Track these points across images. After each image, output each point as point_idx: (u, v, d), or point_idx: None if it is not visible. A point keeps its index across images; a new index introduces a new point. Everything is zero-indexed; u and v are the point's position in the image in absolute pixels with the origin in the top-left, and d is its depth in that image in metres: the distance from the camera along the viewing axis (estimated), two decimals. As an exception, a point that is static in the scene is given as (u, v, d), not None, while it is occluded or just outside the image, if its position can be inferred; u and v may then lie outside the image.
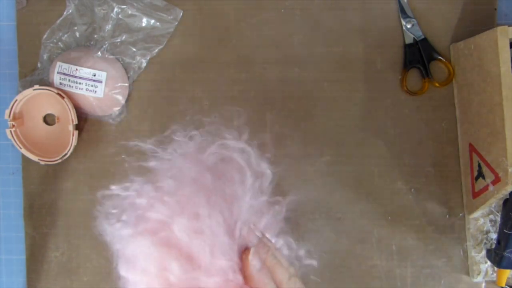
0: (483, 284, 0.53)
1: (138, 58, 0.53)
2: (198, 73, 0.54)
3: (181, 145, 0.41)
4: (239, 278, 0.35)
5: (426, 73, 0.53)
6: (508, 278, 0.48)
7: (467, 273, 0.53)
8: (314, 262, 0.44)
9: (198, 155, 0.40)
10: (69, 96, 0.52)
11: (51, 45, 0.54)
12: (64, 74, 0.51)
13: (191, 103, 0.54)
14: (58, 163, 0.53)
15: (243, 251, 0.36)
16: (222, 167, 0.40)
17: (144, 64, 0.54)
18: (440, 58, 0.53)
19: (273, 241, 0.41)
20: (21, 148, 0.52)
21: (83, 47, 0.53)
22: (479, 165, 0.48)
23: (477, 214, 0.51)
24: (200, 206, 0.35)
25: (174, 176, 0.38)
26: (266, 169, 0.41)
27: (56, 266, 0.55)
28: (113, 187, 0.39)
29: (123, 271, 0.36)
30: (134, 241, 0.35)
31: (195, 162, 0.39)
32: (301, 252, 0.44)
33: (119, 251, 0.37)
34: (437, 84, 0.53)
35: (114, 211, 0.38)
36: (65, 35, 0.54)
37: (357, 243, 0.53)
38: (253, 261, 0.35)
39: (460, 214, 0.53)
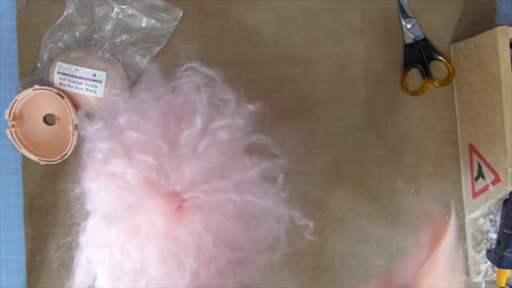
0: (483, 284, 0.53)
1: (138, 58, 0.53)
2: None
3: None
4: (162, 181, 0.36)
5: (426, 73, 0.53)
6: (508, 278, 0.48)
7: (467, 273, 0.53)
8: (310, 223, 0.44)
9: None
10: (69, 96, 0.52)
11: (51, 45, 0.54)
12: (64, 74, 0.51)
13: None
14: (58, 163, 0.53)
15: None
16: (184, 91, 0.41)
17: (144, 64, 0.54)
18: (440, 58, 0.53)
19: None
20: (21, 148, 0.52)
21: (83, 47, 0.53)
22: (479, 165, 0.48)
23: (477, 214, 0.51)
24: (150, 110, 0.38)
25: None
26: (231, 96, 0.42)
27: (56, 266, 0.55)
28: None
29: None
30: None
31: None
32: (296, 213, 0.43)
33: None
34: (437, 84, 0.53)
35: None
36: (65, 35, 0.54)
37: (357, 243, 0.53)
38: None
39: (460, 214, 0.53)
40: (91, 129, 0.40)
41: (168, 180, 0.36)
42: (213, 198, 0.36)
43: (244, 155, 0.41)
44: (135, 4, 0.53)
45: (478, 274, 0.52)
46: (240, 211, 0.38)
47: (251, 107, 0.43)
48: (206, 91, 0.41)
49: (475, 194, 0.50)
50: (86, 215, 0.40)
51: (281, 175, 0.42)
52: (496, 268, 0.49)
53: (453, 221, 0.37)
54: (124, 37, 0.53)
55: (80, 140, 0.42)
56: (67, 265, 0.55)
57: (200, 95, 0.40)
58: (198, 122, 0.38)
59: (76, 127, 0.52)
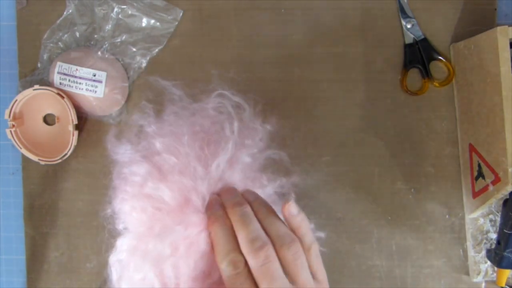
0: (483, 284, 0.53)
1: (138, 58, 0.53)
2: (198, 73, 0.54)
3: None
4: (199, 202, 0.37)
5: (426, 73, 0.53)
6: (508, 278, 0.48)
7: (467, 273, 0.53)
8: (321, 234, 0.45)
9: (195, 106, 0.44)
10: (69, 96, 0.52)
11: (51, 45, 0.54)
12: (64, 74, 0.51)
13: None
14: (58, 163, 0.53)
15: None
16: (214, 116, 0.43)
17: (144, 64, 0.54)
18: (440, 58, 0.53)
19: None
20: (21, 148, 0.52)
21: (83, 47, 0.53)
22: (479, 165, 0.48)
23: (477, 214, 0.51)
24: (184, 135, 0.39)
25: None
26: (258, 125, 0.44)
27: (56, 266, 0.55)
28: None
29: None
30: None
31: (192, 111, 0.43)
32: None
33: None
34: (437, 84, 0.53)
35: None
36: (65, 35, 0.54)
37: (357, 243, 0.53)
38: (292, 207, 0.35)
39: (460, 214, 0.53)
40: (124, 153, 0.41)
41: (205, 201, 0.37)
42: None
43: (261, 173, 0.43)
44: (135, 4, 0.53)
45: (478, 274, 0.52)
46: None
47: (268, 127, 0.45)
48: (237, 119, 0.42)
49: (475, 194, 0.50)
50: (117, 235, 0.41)
51: (292, 194, 0.43)
52: (496, 268, 0.49)
53: None
54: (124, 37, 0.53)
55: (110, 162, 0.43)
56: (66, 265, 0.55)
57: (234, 124, 0.42)
58: (230, 150, 0.40)
59: (76, 127, 0.52)
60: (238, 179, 0.40)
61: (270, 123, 0.46)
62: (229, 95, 0.44)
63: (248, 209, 0.35)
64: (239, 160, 0.40)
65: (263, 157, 0.44)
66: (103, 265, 0.54)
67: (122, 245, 0.38)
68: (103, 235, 0.43)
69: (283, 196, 0.44)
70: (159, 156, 0.39)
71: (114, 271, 0.38)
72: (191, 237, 0.35)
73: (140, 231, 0.38)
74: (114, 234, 0.41)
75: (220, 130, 0.42)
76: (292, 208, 0.35)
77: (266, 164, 0.45)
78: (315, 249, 0.35)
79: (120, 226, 0.40)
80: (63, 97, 0.51)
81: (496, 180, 0.44)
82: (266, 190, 0.42)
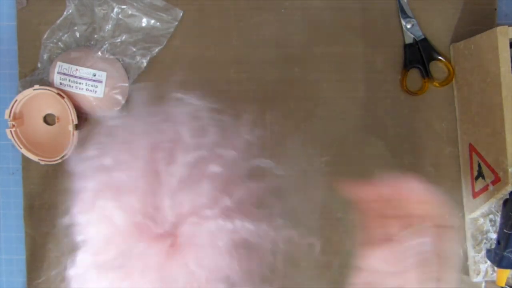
0: (483, 284, 0.53)
1: (138, 58, 0.53)
2: (198, 73, 0.54)
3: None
4: (149, 224, 0.35)
5: (426, 73, 0.53)
6: (508, 278, 0.48)
7: (467, 273, 0.53)
8: (316, 242, 0.43)
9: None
10: (69, 96, 0.52)
11: (51, 45, 0.54)
12: (64, 74, 0.51)
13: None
14: (58, 163, 0.53)
15: None
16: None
17: (144, 64, 0.54)
18: (440, 58, 0.53)
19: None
20: (21, 148, 0.52)
21: (83, 47, 0.53)
22: (479, 165, 0.48)
23: (477, 214, 0.51)
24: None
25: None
26: (240, 134, 0.41)
27: (56, 266, 0.55)
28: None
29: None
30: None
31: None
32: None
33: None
34: (437, 84, 0.53)
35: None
36: (65, 35, 0.54)
37: (357, 243, 0.53)
38: None
39: (460, 214, 0.53)
40: (79, 162, 0.39)
41: (156, 220, 0.35)
42: (204, 228, 0.36)
43: (239, 183, 0.40)
44: (135, 4, 0.53)
45: (478, 274, 0.52)
46: (233, 241, 0.37)
47: (247, 137, 0.42)
48: (192, 122, 0.39)
49: (475, 194, 0.50)
50: (75, 246, 0.40)
51: (278, 205, 0.41)
52: (496, 268, 0.49)
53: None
54: (124, 37, 0.53)
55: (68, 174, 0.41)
56: (66, 265, 0.55)
57: (184, 127, 0.39)
58: (181, 157, 0.37)
59: (76, 127, 0.52)
60: (205, 189, 0.37)
61: (252, 134, 0.43)
62: (185, 98, 0.41)
63: None
64: (204, 169, 0.37)
65: (246, 167, 0.41)
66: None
67: (81, 260, 0.37)
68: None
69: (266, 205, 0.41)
70: (111, 173, 0.37)
71: (74, 285, 0.37)
72: (146, 264, 0.34)
73: (97, 247, 0.36)
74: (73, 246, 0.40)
75: (190, 137, 0.39)
76: None
77: (252, 173, 0.42)
78: None
79: (78, 238, 0.39)
80: (63, 97, 0.51)
81: (496, 180, 0.44)
82: (240, 198, 0.39)
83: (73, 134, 0.51)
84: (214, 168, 0.37)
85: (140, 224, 0.35)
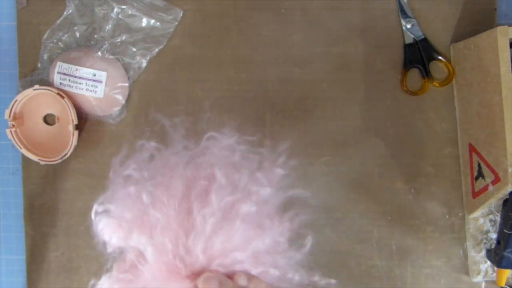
0: (483, 284, 0.53)
1: (138, 58, 0.53)
2: (198, 73, 0.54)
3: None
4: (179, 265, 0.34)
5: (426, 73, 0.53)
6: (508, 278, 0.48)
7: (467, 273, 0.53)
8: (332, 282, 0.40)
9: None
10: (69, 96, 0.52)
11: (51, 45, 0.54)
12: (64, 74, 0.51)
13: (191, 103, 0.54)
14: (58, 163, 0.53)
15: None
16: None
17: (144, 64, 0.54)
18: (440, 58, 0.53)
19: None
20: (21, 148, 0.52)
21: (83, 47, 0.53)
22: (479, 165, 0.48)
23: (477, 214, 0.51)
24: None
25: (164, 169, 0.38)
26: (276, 167, 0.38)
27: (56, 266, 0.55)
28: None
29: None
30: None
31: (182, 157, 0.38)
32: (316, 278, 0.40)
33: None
34: (437, 84, 0.53)
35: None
36: (65, 35, 0.54)
37: (357, 243, 0.53)
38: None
39: (460, 214, 0.53)
40: (119, 183, 0.38)
41: (185, 262, 0.34)
42: (230, 271, 0.35)
43: (272, 218, 0.38)
44: (135, 4, 0.53)
45: (478, 274, 0.52)
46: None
47: (280, 171, 0.39)
48: (227, 157, 0.38)
49: (475, 194, 0.50)
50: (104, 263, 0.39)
51: (309, 237, 0.38)
52: (496, 268, 0.49)
53: None
54: (124, 37, 0.53)
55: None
56: (66, 265, 0.55)
57: (218, 163, 0.37)
58: (214, 200, 0.36)
59: (76, 127, 0.52)
60: (239, 229, 0.35)
61: (285, 167, 0.40)
62: (219, 138, 0.39)
63: None
64: (237, 210, 0.36)
65: (281, 199, 0.39)
66: (103, 265, 0.54)
67: (103, 283, 0.37)
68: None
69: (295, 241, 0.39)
70: (147, 210, 0.36)
71: None
72: None
73: (122, 277, 0.36)
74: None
75: (224, 177, 0.37)
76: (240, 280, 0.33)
77: (286, 206, 0.39)
78: None
79: (108, 250, 0.38)
80: (63, 97, 0.51)
81: (496, 180, 0.44)
82: (271, 238, 0.37)
83: (73, 134, 0.51)
84: (248, 208, 0.36)
85: (169, 263, 0.34)
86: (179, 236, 0.35)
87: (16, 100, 0.51)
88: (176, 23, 0.54)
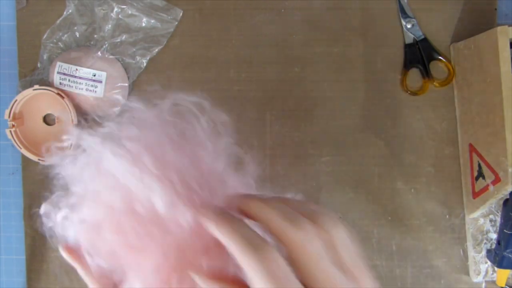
0: (483, 284, 0.53)
1: (138, 58, 0.53)
2: (198, 73, 0.54)
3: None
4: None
5: (426, 73, 0.53)
6: (508, 278, 0.48)
7: (467, 273, 0.53)
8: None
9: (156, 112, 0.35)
10: (69, 96, 0.52)
11: (51, 45, 0.54)
12: (64, 74, 0.51)
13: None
14: (58, 163, 0.53)
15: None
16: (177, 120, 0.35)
17: (144, 64, 0.54)
18: (440, 58, 0.53)
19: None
20: (21, 148, 0.52)
21: (83, 47, 0.53)
22: (479, 165, 0.48)
23: (477, 214, 0.51)
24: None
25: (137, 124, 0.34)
26: (222, 115, 0.35)
27: (56, 266, 0.55)
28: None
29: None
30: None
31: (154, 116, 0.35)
32: None
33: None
34: (437, 84, 0.53)
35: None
36: (65, 35, 0.54)
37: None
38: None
39: (460, 214, 0.53)
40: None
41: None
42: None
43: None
44: (135, 4, 0.53)
45: (478, 274, 0.52)
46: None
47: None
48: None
49: (475, 194, 0.50)
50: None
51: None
52: (496, 268, 0.49)
53: None
54: (124, 37, 0.53)
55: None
56: (66, 265, 0.55)
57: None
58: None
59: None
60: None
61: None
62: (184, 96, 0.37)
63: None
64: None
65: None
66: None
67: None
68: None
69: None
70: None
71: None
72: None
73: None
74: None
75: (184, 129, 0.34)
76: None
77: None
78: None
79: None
80: (63, 97, 0.51)
81: (496, 180, 0.44)
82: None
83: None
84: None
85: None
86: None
87: (16, 100, 0.51)
88: (176, 23, 0.54)
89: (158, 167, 0.29)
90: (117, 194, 0.30)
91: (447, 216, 0.53)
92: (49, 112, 0.54)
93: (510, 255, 0.45)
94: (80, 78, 0.51)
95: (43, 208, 0.34)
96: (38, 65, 0.54)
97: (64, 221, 0.33)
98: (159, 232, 0.28)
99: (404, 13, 0.53)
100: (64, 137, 0.36)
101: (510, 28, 0.42)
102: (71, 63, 0.51)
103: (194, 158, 0.32)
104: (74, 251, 0.33)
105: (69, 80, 0.51)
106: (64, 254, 0.32)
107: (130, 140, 0.31)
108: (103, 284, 0.31)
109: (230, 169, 0.33)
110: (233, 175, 0.33)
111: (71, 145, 0.35)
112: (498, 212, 0.51)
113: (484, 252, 0.51)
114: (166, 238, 0.28)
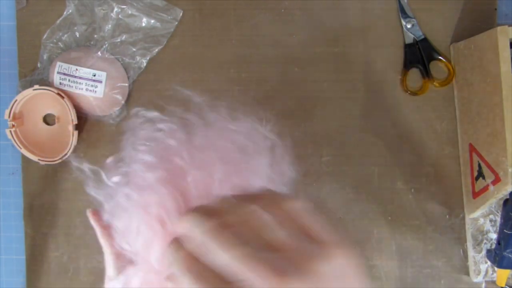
0: (483, 284, 0.53)
1: (138, 58, 0.53)
2: (198, 73, 0.54)
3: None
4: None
5: (426, 73, 0.53)
6: (508, 278, 0.48)
7: (467, 273, 0.53)
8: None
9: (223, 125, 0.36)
10: (69, 96, 0.52)
11: (51, 45, 0.54)
12: (64, 74, 0.51)
13: (191, 103, 0.54)
14: (58, 163, 0.53)
15: None
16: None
17: (144, 64, 0.54)
18: (440, 58, 0.53)
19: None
20: (21, 148, 0.52)
21: (83, 47, 0.53)
22: (479, 165, 0.48)
23: (477, 214, 0.51)
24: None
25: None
26: (287, 169, 0.37)
27: (56, 266, 0.55)
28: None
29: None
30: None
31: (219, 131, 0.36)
32: None
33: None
34: (437, 84, 0.53)
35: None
36: (65, 35, 0.54)
37: (357, 243, 0.53)
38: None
39: (460, 214, 0.53)
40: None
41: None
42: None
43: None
44: (135, 4, 0.53)
45: (478, 274, 0.52)
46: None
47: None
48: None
49: (475, 194, 0.50)
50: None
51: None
52: (496, 268, 0.49)
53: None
54: (124, 37, 0.53)
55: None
56: (66, 265, 0.55)
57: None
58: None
59: (76, 127, 0.52)
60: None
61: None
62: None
63: None
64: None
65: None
66: (103, 265, 0.54)
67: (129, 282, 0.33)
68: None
69: None
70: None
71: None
72: None
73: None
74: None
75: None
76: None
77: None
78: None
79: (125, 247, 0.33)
80: (63, 97, 0.51)
81: (496, 180, 0.44)
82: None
83: (73, 134, 0.51)
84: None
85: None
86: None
87: (16, 100, 0.51)
88: (176, 23, 0.54)
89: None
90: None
91: (447, 216, 0.53)
92: (49, 112, 0.54)
93: (510, 255, 0.45)
94: (80, 78, 0.51)
95: (110, 159, 0.36)
96: (38, 65, 0.54)
97: (116, 186, 0.34)
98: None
99: (404, 13, 0.53)
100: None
101: (510, 28, 0.42)
102: (71, 63, 0.51)
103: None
104: (98, 216, 0.37)
105: (69, 80, 0.51)
106: (90, 217, 0.36)
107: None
108: (116, 251, 0.34)
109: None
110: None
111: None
112: (498, 212, 0.51)
113: (484, 252, 0.51)
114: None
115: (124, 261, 0.34)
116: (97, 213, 0.37)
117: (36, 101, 0.52)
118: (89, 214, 0.37)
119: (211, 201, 0.29)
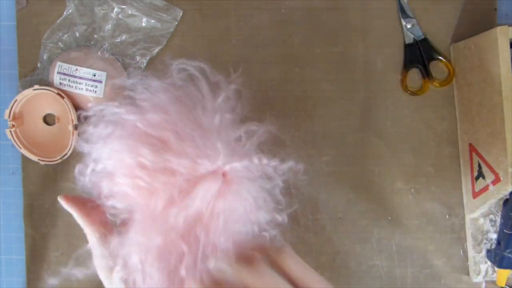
0: (483, 284, 0.53)
1: (138, 58, 0.53)
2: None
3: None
4: (207, 164, 0.32)
5: (426, 73, 0.53)
6: (508, 278, 0.48)
7: (467, 273, 0.53)
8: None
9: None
10: (69, 96, 0.52)
11: (51, 45, 0.54)
12: (64, 74, 0.51)
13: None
14: (58, 163, 0.53)
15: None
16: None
17: (144, 64, 0.54)
18: (440, 58, 0.53)
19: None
20: (21, 148, 0.52)
21: (83, 47, 0.53)
22: (479, 165, 0.48)
23: (477, 214, 0.51)
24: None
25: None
26: (218, 76, 0.40)
27: (56, 266, 0.55)
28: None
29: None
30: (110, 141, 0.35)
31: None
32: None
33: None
34: (437, 84, 0.53)
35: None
36: (65, 35, 0.54)
37: (357, 243, 0.53)
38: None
39: (460, 214, 0.53)
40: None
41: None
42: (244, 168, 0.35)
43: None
44: (135, 4, 0.53)
45: (478, 274, 0.52)
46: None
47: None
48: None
49: (475, 194, 0.50)
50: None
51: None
52: (496, 268, 0.49)
53: None
54: (124, 37, 0.53)
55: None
56: (67, 265, 0.55)
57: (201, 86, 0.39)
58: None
59: (76, 127, 0.52)
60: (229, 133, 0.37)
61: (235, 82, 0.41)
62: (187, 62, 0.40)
63: None
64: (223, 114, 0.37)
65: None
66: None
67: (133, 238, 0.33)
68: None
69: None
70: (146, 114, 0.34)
71: None
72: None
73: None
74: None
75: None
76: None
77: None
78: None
79: (122, 210, 0.34)
80: (63, 97, 0.51)
81: (496, 180, 0.44)
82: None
83: (73, 134, 0.51)
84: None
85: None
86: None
87: (16, 100, 0.51)
88: (176, 23, 0.54)
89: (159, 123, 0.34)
90: (126, 147, 0.33)
91: (447, 216, 0.53)
92: (49, 112, 0.54)
93: (510, 255, 0.46)
94: (80, 78, 0.51)
95: (77, 168, 0.37)
96: (38, 65, 0.54)
97: (91, 175, 0.36)
98: (164, 177, 0.32)
99: (404, 13, 0.53)
100: (89, 104, 0.39)
101: (510, 28, 0.42)
102: (71, 63, 0.51)
103: (194, 114, 0.36)
104: (71, 200, 0.38)
105: (69, 80, 0.51)
106: (62, 203, 0.37)
107: (142, 101, 0.36)
108: (98, 228, 0.36)
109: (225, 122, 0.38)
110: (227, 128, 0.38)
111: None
112: (498, 212, 0.51)
113: (484, 252, 0.51)
114: (169, 182, 0.32)
115: (111, 231, 0.36)
116: (69, 197, 0.38)
117: (36, 101, 0.52)
118: (61, 200, 0.37)
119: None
